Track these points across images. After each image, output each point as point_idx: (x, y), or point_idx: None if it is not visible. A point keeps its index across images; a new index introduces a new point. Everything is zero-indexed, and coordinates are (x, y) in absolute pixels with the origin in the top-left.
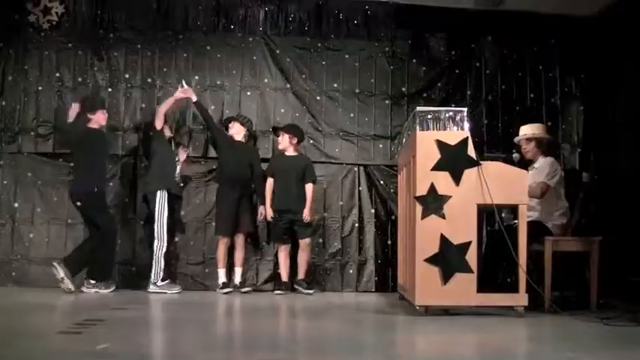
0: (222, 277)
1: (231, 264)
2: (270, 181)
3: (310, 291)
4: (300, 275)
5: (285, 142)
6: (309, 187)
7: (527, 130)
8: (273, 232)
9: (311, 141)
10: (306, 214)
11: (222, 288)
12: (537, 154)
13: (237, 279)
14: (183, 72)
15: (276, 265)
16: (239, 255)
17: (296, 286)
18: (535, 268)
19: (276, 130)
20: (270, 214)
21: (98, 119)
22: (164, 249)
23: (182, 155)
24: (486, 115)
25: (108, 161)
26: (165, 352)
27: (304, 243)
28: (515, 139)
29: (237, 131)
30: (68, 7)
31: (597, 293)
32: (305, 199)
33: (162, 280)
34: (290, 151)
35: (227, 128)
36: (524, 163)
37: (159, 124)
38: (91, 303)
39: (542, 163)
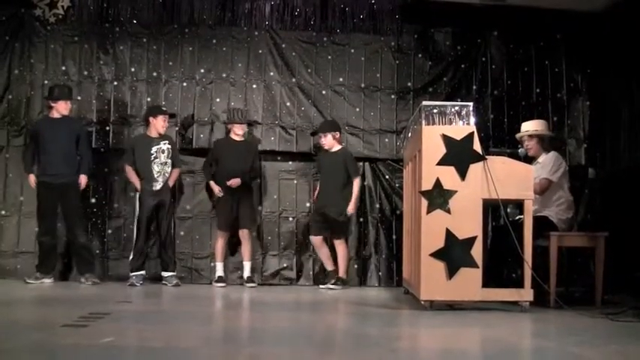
0: (219, 271)
1: (235, 258)
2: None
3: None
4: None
5: (328, 141)
6: (355, 183)
7: (529, 127)
8: (311, 226)
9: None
10: (351, 209)
11: (217, 281)
12: (539, 150)
13: (246, 273)
14: (189, 65)
15: (281, 260)
16: (245, 249)
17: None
18: (540, 263)
19: (316, 133)
20: None
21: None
22: (134, 242)
23: (174, 175)
24: (492, 110)
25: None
26: (170, 345)
27: (337, 242)
28: (517, 136)
29: (238, 130)
30: (74, 0)
31: (602, 289)
32: (346, 195)
33: (131, 271)
34: (335, 147)
35: (228, 131)
36: (530, 159)
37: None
38: (97, 296)
39: (546, 159)
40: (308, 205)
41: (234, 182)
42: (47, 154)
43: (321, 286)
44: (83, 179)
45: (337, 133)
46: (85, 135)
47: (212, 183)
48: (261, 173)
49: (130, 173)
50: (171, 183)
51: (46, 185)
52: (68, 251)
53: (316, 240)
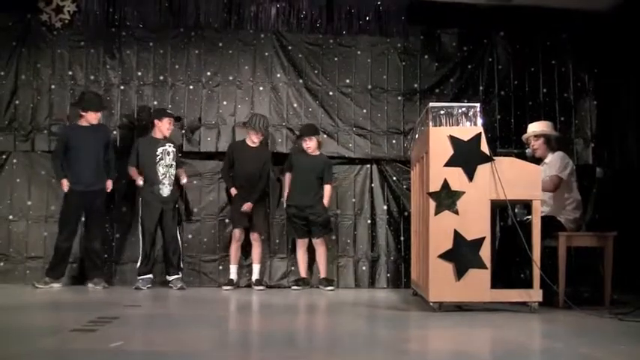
0: (232, 274)
1: (244, 261)
2: (287, 176)
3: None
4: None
5: (313, 145)
6: (327, 188)
7: (535, 127)
8: (290, 229)
9: (325, 136)
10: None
11: (226, 284)
12: (546, 150)
13: (255, 276)
14: (195, 69)
15: (289, 262)
16: (255, 253)
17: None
18: (548, 263)
19: (301, 137)
20: None
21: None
22: (140, 247)
23: (182, 178)
24: (499, 111)
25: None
26: (180, 349)
27: (318, 242)
28: (524, 137)
29: (254, 138)
30: (80, 5)
31: (611, 289)
32: (322, 198)
33: (138, 275)
34: (316, 152)
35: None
36: (537, 160)
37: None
38: (105, 301)
39: (552, 159)
40: None
41: (247, 207)
42: (78, 163)
43: (293, 287)
44: (109, 184)
45: (319, 137)
46: (111, 141)
47: (233, 190)
48: (269, 183)
49: (133, 173)
50: (184, 181)
51: (77, 194)
52: (83, 257)
53: (304, 243)
